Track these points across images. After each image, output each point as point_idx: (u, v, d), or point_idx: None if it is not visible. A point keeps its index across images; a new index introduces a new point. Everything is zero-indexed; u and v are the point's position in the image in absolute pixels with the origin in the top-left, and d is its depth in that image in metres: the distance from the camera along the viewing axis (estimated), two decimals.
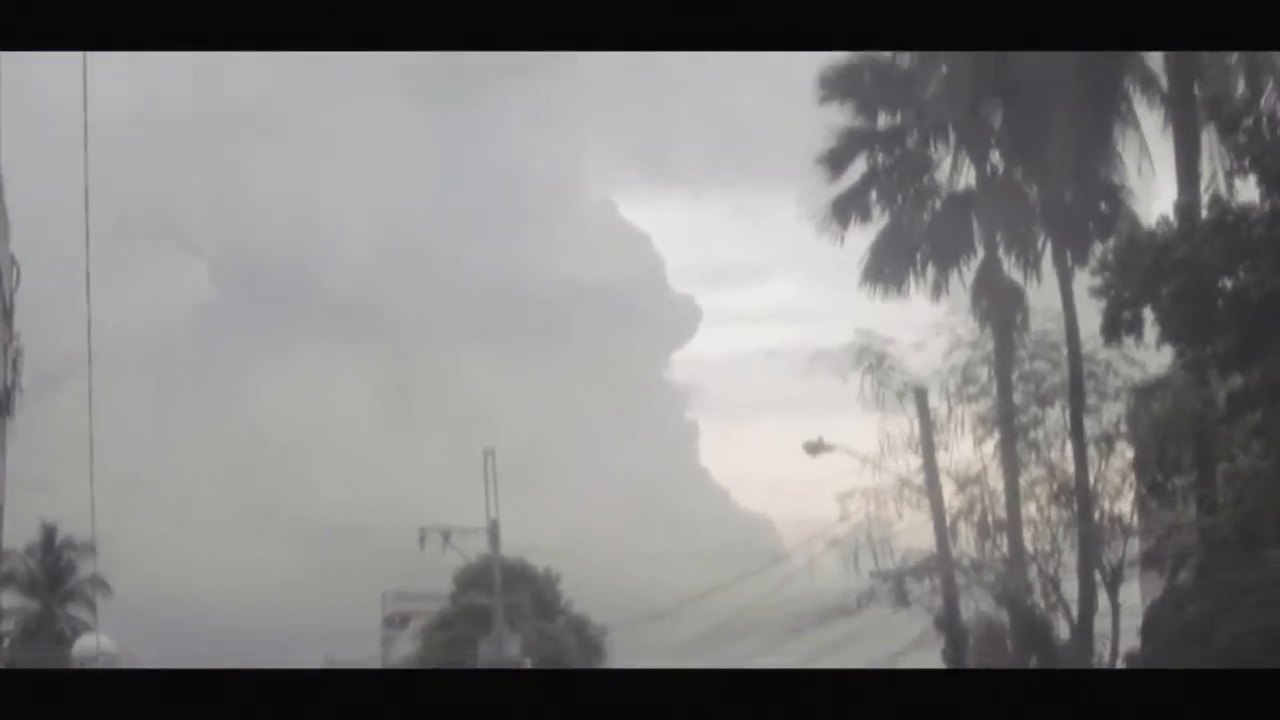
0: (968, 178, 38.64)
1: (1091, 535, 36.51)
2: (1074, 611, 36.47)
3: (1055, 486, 37.82)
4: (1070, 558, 37.23)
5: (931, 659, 37.56)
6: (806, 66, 39.38)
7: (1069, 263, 36.43)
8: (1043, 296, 37.59)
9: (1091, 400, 37.07)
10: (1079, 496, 36.84)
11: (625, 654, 57.27)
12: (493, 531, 51.08)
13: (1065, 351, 36.96)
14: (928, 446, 37.95)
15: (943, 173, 39.01)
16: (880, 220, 39.22)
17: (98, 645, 51.26)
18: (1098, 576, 36.53)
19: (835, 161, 39.12)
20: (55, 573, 65.77)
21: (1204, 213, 29.96)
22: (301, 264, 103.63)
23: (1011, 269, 37.96)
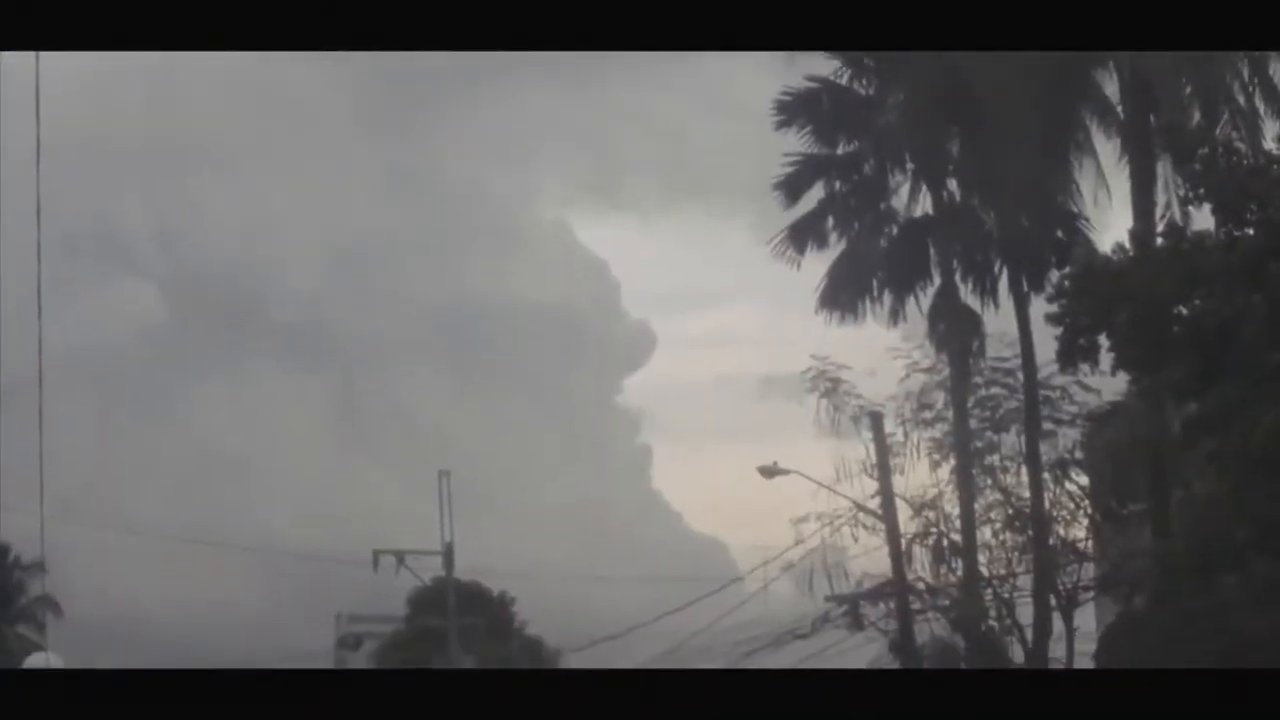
0: (925, 204, 38.82)
1: (1047, 560, 36.69)
2: (1029, 636, 36.63)
3: (1010, 511, 38.01)
4: (1025, 582, 37.44)
5: None
6: (760, 91, 39.54)
7: (1025, 289, 36.64)
8: (999, 323, 37.85)
9: (1047, 426, 37.27)
10: (1034, 522, 37.02)
11: None
12: (447, 554, 50.98)
13: (1021, 378, 37.16)
14: (883, 471, 38.11)
15: (900, 199, 39.18)
16: (836, 246, 39.35)
17: (47, 662, 51.00)
18: (1053, 601, 36.70)
19: (792, 187, 39.18)
20: (4, 592, 65.46)
21: (1159, 240, 30.23)
22: (250, 286, 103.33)
23: (968, 295, 38.15)
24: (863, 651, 38.66)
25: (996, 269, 37.86)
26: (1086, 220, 36.86)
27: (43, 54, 21.73)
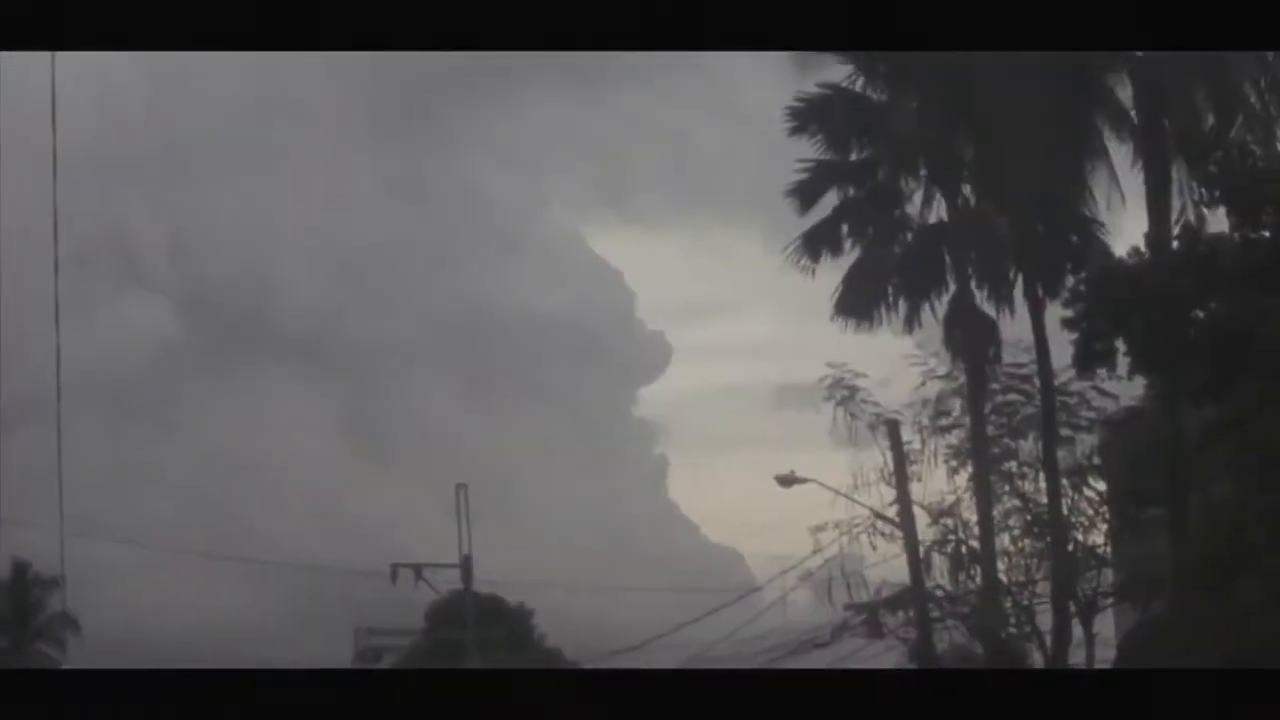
0: (939, 210, 38.67)
1: (1065, 566, 36.56)
2: (1048, 643, 36.51)
3: (1029, 518, 37.90)
4: (1044, 589, 37.29)
5: None
6: (771, 98, 39.43)
7: (1041, 294, 36.46)
8: (1015, 329, 37.69)
9: (1064, 432, 37.14)
10: (1052, 528, 36.89)
11: None
12: (465, 567, 50.94)
13: (1038, 383, 37.01)
14: (901, 478, 38.01)
15: (914, 205, 39.01)
16: (851, 254, 39.19)
17: None
18: (1072, 608, 36.58)
19: (805, 194, 39.03)
20: (24, 609, 65.46)
21: (1175, 244, 30.14)
22: (262, 298, 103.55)
23: (984, 301, 37.98)
24: (882, 660, 38.58)
25: (1012, 274, 37.70)
26: (1101, 224, 36.68)
27: (51, 70, 21.79)
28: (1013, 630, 37.48)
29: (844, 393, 38.17)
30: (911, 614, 37.98)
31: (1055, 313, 33.52)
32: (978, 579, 37.97)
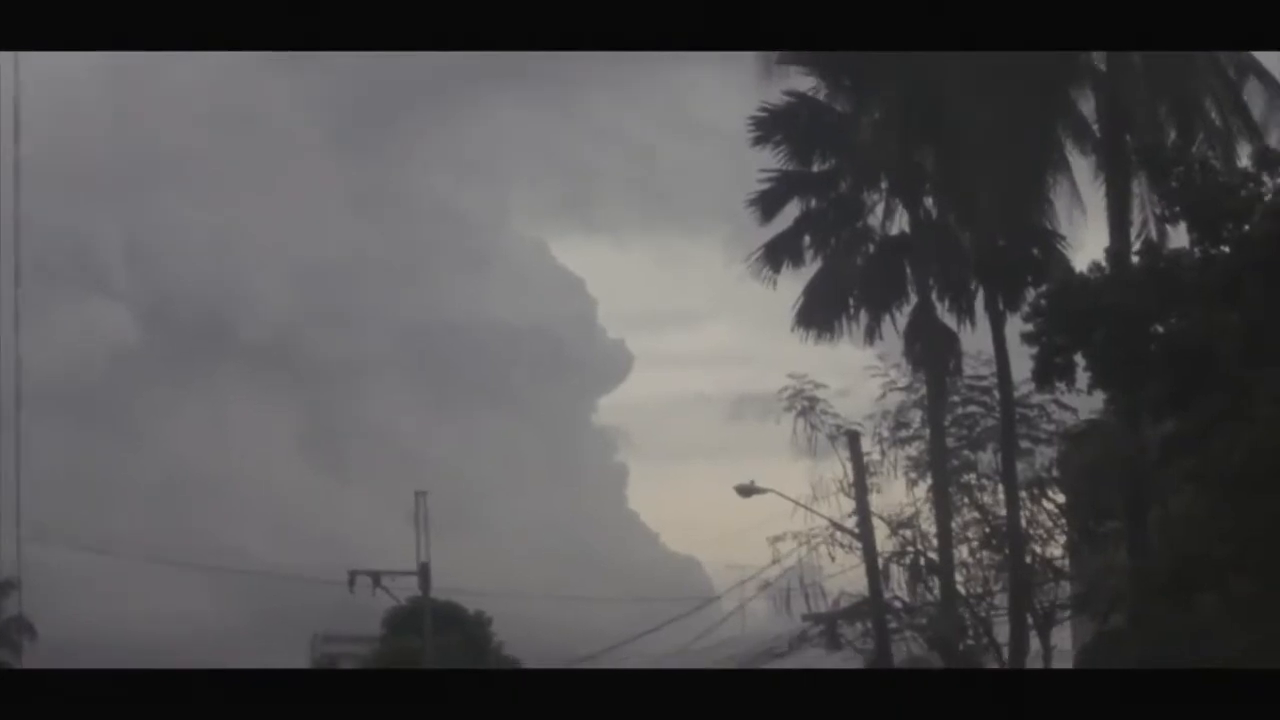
0: (901, 222, 38.74)
1: (1023, 578, 36.65)
2: (1005, 654, 36.59)
3: (987, 530, 38.01)
4: (1002, 600, 37.41)
5: None
6: (735, 109, 39.44)
7: (1001, 308, 36.55)
8: (976, 341, 37.79)
9: (1024, 444, 37.26)
10: (1011, 540, 36.98)
11: None
12: (423, 574, 50.84)
13: (998, 396, 37.11)
14: (860, 490, 38.06)
15: (876, 217, 39.09)
16: (813, 265, 39.22)
17: None
18: (1029, 620, 36.66)
19: (767, 204, 39.06)
20: None
21: (1136, 258, 30.20)
22: (223, 306, 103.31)
23: (944, 314, 38.08)
24: None
25: (973, 287, 37.78)
26: (1063, 238, 36.82)
27: (15, 76, 21.74)
28: (970, 642, 37.55)
29: (804, 403, 38.25)
30: (869, 625, 38.03)
31: (1016, 326, 33.60)
32: (936, 590, 38.05)
